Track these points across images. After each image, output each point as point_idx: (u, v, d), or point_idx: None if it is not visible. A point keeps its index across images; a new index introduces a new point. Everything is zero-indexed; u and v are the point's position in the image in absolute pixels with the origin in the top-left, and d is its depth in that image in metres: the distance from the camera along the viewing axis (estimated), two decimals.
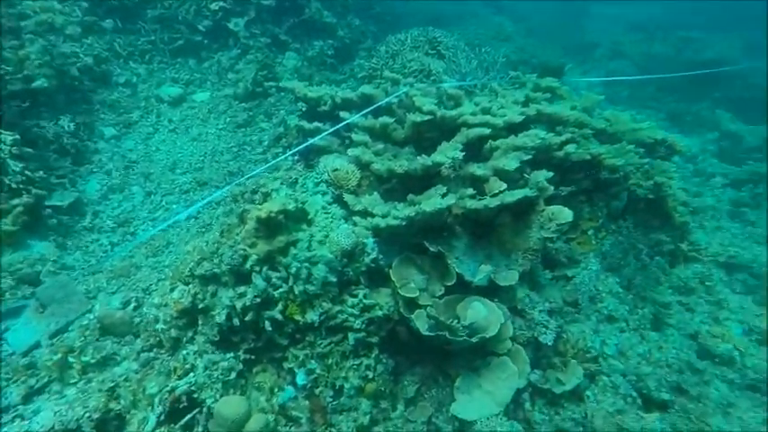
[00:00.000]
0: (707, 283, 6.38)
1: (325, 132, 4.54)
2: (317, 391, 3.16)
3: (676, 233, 6.47)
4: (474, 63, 6.40)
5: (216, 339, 3.16)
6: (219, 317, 3.08)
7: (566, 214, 3.50)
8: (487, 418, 3.19)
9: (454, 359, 3.59)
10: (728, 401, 4.72)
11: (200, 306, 3.21)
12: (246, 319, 3.08)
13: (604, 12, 20.73)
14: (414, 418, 3.38)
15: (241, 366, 3.16)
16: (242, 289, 3.10)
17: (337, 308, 3.14)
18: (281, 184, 4.03)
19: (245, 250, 3.10)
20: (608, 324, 4.99)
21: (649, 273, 5.97)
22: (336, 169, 3.81)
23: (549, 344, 3.59)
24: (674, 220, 6.42)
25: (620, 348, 4.79)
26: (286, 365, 3.17)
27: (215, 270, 3.18)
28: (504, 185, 3.46)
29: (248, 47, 7.82)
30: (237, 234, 3.25)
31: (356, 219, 3.53)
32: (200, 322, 3.25)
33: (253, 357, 3.21)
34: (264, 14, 8.18)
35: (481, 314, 3.14)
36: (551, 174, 3.81)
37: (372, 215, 3.49)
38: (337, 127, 4.50)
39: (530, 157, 3.77)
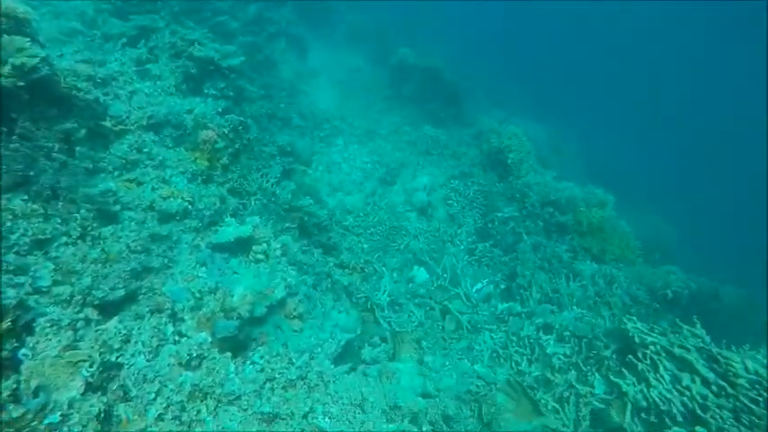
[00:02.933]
0: (145, 150, 6.32)
1: None
2: None
3: (87, 112, 5.92)
4: None
5: None
6: None
7: None
8: None
9: None
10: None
11: None
12: None
13: None
14: None
15: None
16: None
17: None
18: None
19: None
20: (37, 251, 4.24)
21: (75, 168, 5.33)
22: None
23: None
24: (75, 99, 5.78)
25: (63, 270, 4.19)
26: None
27: None
28: None
29: None
30: None
31: None
32: None
33: None
34: None
35: None
36: None
37: None
38: None
39: None
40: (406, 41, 16.17)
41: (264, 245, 4.89)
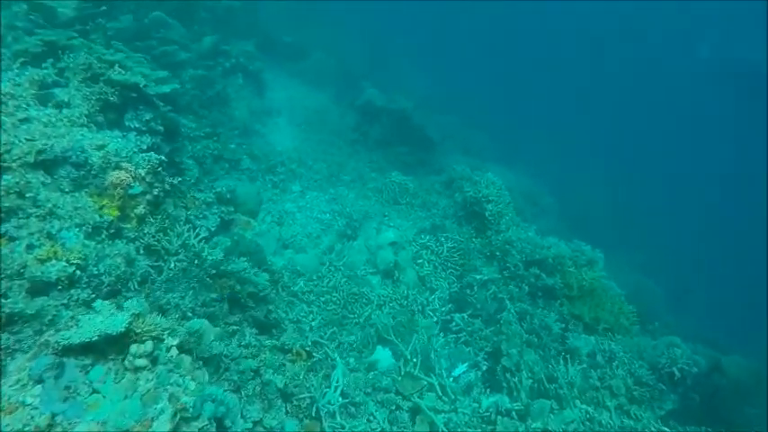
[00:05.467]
0: (29, 195, 4.86)
1: None
2: None
3: None
4: None
5: None
6: None
7: None
8: None
9: None
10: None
11: None
12: None
13: None
14: None
15: None
16: None
17: None
18: None
19: None
20: None
21: None
22: None
23: None
24: None
25: None
26: None
27: None
28: None
29: None
30: None
31: None
32: None
33: None
34: None
35: None
36: None
37: None
38: None
39: None
40: (374, 80, 15.29)
41: (150, 344, 3.41)
